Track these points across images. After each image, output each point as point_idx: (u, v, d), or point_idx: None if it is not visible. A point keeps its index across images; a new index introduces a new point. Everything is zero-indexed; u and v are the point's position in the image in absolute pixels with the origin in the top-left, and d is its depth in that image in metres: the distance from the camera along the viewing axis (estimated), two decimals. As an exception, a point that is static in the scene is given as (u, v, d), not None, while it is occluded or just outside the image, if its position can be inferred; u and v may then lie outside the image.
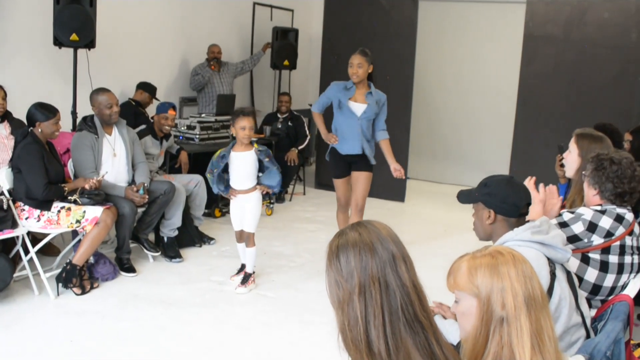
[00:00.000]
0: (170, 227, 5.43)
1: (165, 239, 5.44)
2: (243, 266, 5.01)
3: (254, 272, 4.91)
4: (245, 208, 4.83)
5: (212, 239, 5.92)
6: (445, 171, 9.33)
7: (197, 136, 6.64)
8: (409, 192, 8.11)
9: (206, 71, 7.58)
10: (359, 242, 1.68)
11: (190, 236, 5.75)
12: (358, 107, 5.26)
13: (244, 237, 4.90)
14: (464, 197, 2.70)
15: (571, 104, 6.85)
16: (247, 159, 4.73)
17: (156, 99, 6.77)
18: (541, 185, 3.12)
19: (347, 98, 5.23)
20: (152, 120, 5.86)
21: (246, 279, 4.84)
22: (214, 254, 5.67)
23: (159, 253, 5.41)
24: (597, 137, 3.44)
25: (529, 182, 3.03)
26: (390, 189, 7.97)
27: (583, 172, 3.11)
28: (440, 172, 9.39)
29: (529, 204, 2.59)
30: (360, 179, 5.39)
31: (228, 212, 6.69)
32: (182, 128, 6.71)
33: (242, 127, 4.64)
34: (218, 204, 6.77)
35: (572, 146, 3.45)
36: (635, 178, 2.91)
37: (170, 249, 5.42)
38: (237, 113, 4.72)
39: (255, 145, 4.79)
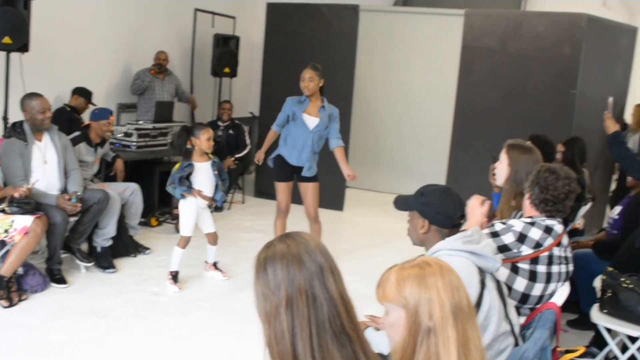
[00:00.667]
0: (104, 236, 5.30)
1: (99, 249, 5.30)
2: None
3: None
4: (205, 213, 5.13)
5: (147, 248, 5.81)
6: (385, 180, 9.41)
7: (134, 143, 6.51)
8: (348, 201, 8.16)
9: (146, 76, 7.46)
10: (287, 254, 1.68)
11: (125, 246, 5.63)
12: (311, 121, 5.39)
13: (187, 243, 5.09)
14: (401, 204, 2.73)
15: (507, 115, 7.00)
16: (208, 169, 5.03)
17: (92, 104, 6.63)
18: (487, 202, 3.17)
19: (301, 111, 5.38)
20: (86, 126, 5.70)
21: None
22: (149, 264, 5.56)
23: (92, 263, 5.27)
24: (526, 148, 3.53)
25: (477, 201, 3.06)
26: (328, 197, 7.98)
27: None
28: (379, 181, 9.46)
29: (463, 215, 2.63)
30: (309, 190, 5.49)
31: (165, 220, 6.67)
32: (119, 135, 6.56)
33: (208, 138, 4.93)
34: (155, 213, 6.66)
35: (503, 156, 3.53)
36: (563, 191, 2.98)
37: (104, 259, 5.29)
38: (199, 127, 5.03)
39: (211, 155, 5.07)
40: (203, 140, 4.91)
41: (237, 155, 7.73)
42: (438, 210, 2.57)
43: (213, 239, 5.29)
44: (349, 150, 7.80)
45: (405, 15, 9.48)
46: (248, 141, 8.00)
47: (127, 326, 4.26)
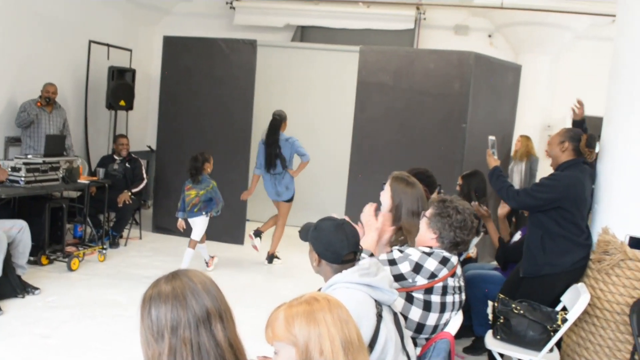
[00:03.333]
0: (-11, 277, 5.00)
1: (-17, 290, 5.00)
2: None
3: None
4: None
5: (36, 288, 5.51)
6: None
7: (23, 179, 6.19)
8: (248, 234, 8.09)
9: (33, 109, 7.12)
10: (172, 296, 1.63)
11: (12, 286, 5.31)
12: None
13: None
14: (303, 233, 2.73)
15: (401, 149, 7.18)
16: None
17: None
18: (380, 213, 3.22)
19: None
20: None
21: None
22: (38, 304, 5.27)
23: (-25, 306, 4.96)
24: (410, 183, 3.62)
25: (371, 209, 3.12)
26: (229, 232, 7.92)
27: (424, 212, 3.24)
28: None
29: (356, 252, 2.63)
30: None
31: (56, 258, 6.37)
32: (7, 170, 6.23)
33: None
34: (45, 251, 6.34)
35: (387, 187, 3.60)
36: (473, 230, 3.09)
37: (-12, 301, 4.98)
38: (209, 155, 6.66)
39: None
40: (210, 166, 6.55)
41: (134, 190, 7.53)
42: (326, 246, 2.57)
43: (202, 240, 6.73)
44: (247, 183, 7.80)
45: (302, 51, 9.65)
46: (145, 175, 7.80)
47: (13, 372, 4.01)
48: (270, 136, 6.94)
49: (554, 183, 4.09)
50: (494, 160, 4.50)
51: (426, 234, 3.14)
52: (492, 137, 4.64)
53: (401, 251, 3.02)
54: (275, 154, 6.93)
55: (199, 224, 6.55)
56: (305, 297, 1.75)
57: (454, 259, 3.05)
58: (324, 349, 1.63)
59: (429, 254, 3.00)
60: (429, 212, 3.15)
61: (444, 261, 3.00)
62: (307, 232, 2.67)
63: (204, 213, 6.56)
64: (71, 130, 8.22)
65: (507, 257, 4.85)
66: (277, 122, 6.96)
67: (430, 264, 2.96)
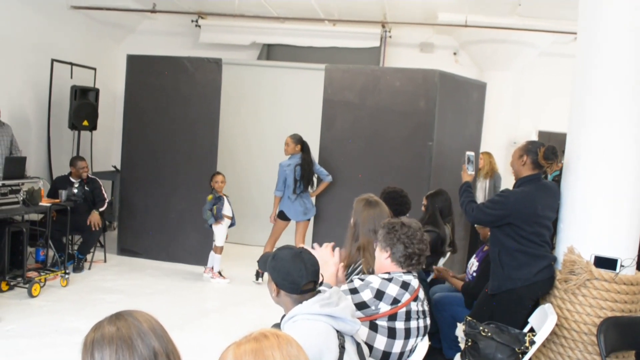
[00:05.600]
0: (-57, 306, 4.83)
1: (-63, 321, 4.82)
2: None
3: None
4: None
5: (-5, 317, 5.36)
6: (254, 233, 9.33)
7: (-20, 202, 6.03)
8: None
9: None
10: (116, 338, 1.56)
11: (-31, 315, 5.15)
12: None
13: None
14: (261, 263, 2.66)
15: (367, 166, 7.16)
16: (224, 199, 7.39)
17: None
18: (337, 250, 3.19)
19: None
20: None
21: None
22: (-4, 334, 5.11)
23: None
24: (372, 202, 3.61)
25: (328, 247, 3.08)
26: (195, 253, 7.81)
27: (375, 239, 3.22)
28: (245, 234, 9.38)
29: (315, 282, 2.55)
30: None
31: (17, 284, 6.19)
32: (-36, 194, 6.06)
33: (222, 181, 7.29)
34: (5, 277, 6.16)
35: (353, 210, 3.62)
36: (423, 241, 3.06)
37: (-57, 332, 4.81)
38: (214, 173, 7.42)
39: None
40: (219, 183, 7.24)
41: (101, 209, 7.36)
42: (284, 277, 2.48)
43: (220, 250, 7.38)
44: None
45: (268, 69, 9.61)
46: (105, 195, 7.60)
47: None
48: (306, 158, 7.11)
49: (503, 200, 4.14)
50: (466, 175, 4.57)
51: (380, 256, 3.12)
52: (469, 153, 4.69)
53: (362, 280, 2.99)
54: (309, 174, 7.14)
55: (215, 231, 7.36)
56: (255, 334, 1.69)
57: (415, 282, 3.02)
58: None
59: (389, 280, 2.97)
60: (379, 235, 3.14)
61: (405, 285, 2.97)
62: (266, 262, 2.60)
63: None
64: (34, 150, 8.08)
65: (474, 295, 4.77)
66: (307, 145, 7.20)
67: (392, 290, 2.93)
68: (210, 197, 7.24)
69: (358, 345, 2.48)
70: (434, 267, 5.10)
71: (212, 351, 1.90)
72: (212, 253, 7.38)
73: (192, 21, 10.18)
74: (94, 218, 7.21)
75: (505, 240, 4.14)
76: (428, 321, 3.10)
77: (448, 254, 5.12)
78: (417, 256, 3.03)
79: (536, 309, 4.14)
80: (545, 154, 4.15)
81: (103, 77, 9.73)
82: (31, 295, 6.05)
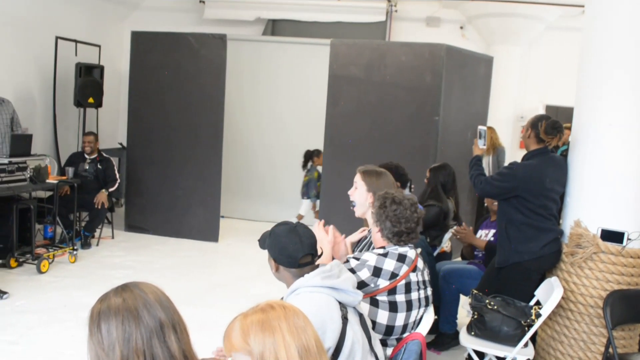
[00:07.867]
0: (-47, 282, 4.88)
1: (-53, 297, 4.88)
2: None
3: None
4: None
5: (4, 292, 5.39)
6: (257, 209, 9.36)
7: (-12, 180, 6.04)
8: (223, 231, 8.02)
9: None
10: (122, 309, 1.56)
11: (-22, 291, 5.20)
12: None
13: None
14: (261, 241, 2.67)
15: (374, 142, 7.14)
16: None
17: None
18: (330, 227, 3.19)
19: None
20: None
21: None
22: (6, 309, 5.14)
23: (-60, 313, 4.83)
24: (380, 172, 3.59)
25: (319, 225, 3.08)
26: (202, 229, 7.85)
27: (372, 210, 3.20)
28: (251, 209, 9.41)
29: (313, 254, 2.57)
30: None
31: (26, 261, 6.23)
32: (-29, 171, 6.07)
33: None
34: (14, 253, 6.20)
35: (360, 183, 3.55)
36: (414, 219, 3.03)
37: (-47, 308, 4.86)
38: (317, 152, 8.54)
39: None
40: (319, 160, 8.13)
41: (111, 190, 7.39)
42: (280, 251, 2.51)
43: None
44: (220, 178, 7.74)
45: (273, 45, 9.56)
46: (117, 175, 7.63)
47: (-21, 381, 3.91)
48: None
49: (511, 172, 4.14)
50: (477, 149, 4.56)
51: (374, 230, 3.13)
52: (481, 127, 4.68)
53: (357, 259, 2.98)
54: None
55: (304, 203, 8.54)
56: (261, 305, 1.70)
57: (411, 253, 3.01)
58: (279, 357, 1.58)
59: (384, 255, 2.96)
60: (373, 207, 3.14)
61: (402, 258, 2.96)
62: (265, 240, 2.62)
63: (305, 197, 8.63)
64: (40, 128, 8.10)
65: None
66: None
67: (389, 265, 2.92)
68: (316, 173, 8.31)
69: (361, 316, 2.50)
70: (455, 228, 5.07)
71: (219, 324, 1.91)
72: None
73: (196, -3, 10.13)
74: (101, 197, 7.23)
75: (512, 213, 4.13)
76: (429, 291, 3.10)
77: (454, 228, 5.10)
78: (406, 234, 3.01)
79: (542, 282, 4.14)
80: (545, 128, 4.12)
81: (108, 54, 9.69)
82: (40, 272, 6.10)
